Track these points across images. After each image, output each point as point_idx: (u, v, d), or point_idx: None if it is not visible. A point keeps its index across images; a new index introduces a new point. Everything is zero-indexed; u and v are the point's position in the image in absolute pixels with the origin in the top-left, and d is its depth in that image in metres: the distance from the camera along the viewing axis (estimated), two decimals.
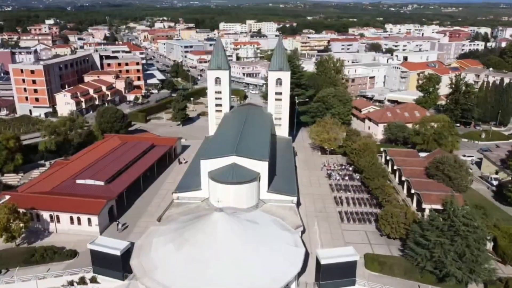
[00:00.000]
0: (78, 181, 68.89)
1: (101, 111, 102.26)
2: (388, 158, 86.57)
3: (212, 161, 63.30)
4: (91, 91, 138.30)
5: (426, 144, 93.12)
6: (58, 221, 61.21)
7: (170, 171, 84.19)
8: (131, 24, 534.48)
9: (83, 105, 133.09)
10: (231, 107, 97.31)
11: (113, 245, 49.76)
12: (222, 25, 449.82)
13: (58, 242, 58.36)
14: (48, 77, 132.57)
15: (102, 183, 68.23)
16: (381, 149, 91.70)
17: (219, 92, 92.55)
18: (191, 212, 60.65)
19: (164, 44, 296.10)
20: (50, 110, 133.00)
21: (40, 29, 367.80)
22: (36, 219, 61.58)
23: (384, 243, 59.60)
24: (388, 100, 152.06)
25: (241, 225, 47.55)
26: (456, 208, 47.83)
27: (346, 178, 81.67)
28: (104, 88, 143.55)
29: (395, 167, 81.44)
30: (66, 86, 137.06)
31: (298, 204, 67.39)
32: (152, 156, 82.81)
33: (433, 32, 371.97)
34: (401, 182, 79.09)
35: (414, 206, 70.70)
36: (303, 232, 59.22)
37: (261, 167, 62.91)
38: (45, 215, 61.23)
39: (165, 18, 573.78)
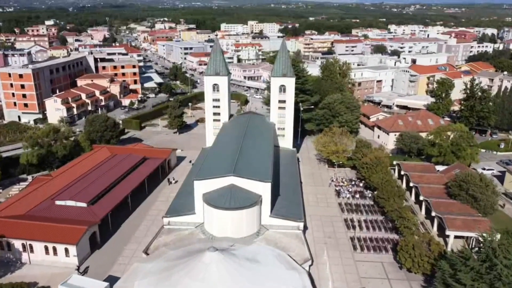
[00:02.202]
0: (58, 202, 61.37)
1: (90, 119, 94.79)
2: (402, 173, 78.72)
3: (207, 182, 55.69)
4: (83, 96, 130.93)
5: (443, 156, 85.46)
6: (32, 250, 53.75)
7: (162, 187, 76.61)
8: (132, 25, 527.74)
9: (75, 111, 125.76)
10: (231, 115, 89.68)
11: (88, 287, 42.18)
12: (223, 26, 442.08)
13: (30, 276, 51.07)
14: (37, 81, 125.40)
15: (84, 204, 60.68)
16: (394, 162, 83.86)
17: (217, 100, 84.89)
18: (183, 240, 53.16)
19: (164, 45, 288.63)
20: (40, 116, 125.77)
21: (37, 30, 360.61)
22: (7, 248, 54.21)
23: (405, 278, 51.86)
24: (397, 106, 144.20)
25: (239, 267, 39.93)
26: (497, 247, 40.08)
27: (357, 196, 73.96)
28: (97, 92, 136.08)
29: (411, 184, 73.65)
30: (58, 91, 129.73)
31: (305, 228, 59.79)
32: (143, 171, 75.22)
33: (438, 33, 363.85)
34: (418, 201, 71.40)
35: (435, 230, 63.06)
36: (310, 264, 51.59)
37: (263, 189, 55.30)
38: (17, 243, 53.80)
39: (165, 19, 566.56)
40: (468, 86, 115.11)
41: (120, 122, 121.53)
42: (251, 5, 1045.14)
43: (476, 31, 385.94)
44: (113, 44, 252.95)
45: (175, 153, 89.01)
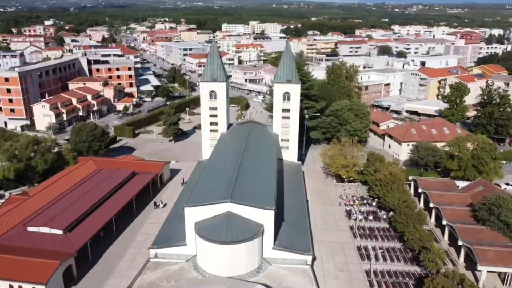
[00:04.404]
0: (30, 229, 53.65)
1: (77, 128, 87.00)
2: (420, 190, 70.74)
3: (200, 209, 47.90)
4: (74, 101, 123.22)
5: (463, 171, 77.57)
6: None
7: (152, 207, 68.68)
8: (132, 25, 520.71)
9: (64, 117, 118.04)
10: (229, 125, 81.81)
11: None
12: (224, 26, 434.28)
13: None
14: (25, 85, 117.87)
15: (60, 231, 52.94)
16: (410, 177, 75.87)
17: (215, 109, 76.93)
18: (171, 279, 45.38)
19: (163, 46, 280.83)
20: (28, 122, 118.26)
21: (34, 31, 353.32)
22: None
23: None
24: (406, 111, 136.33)
25: None
26: None
27: (370, 217, 66.08)
28: (89, 97, 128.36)
29: (430, 205, 65.64)
30: (47, 95, 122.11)
31: (313, 259, 51.83)
32: (131, 188, 67.39)
33: (443, 34, 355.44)
34: (439, 224, 63.49)
35: (461, 261, 55.14)
36: None
37: (266, 217, 47.48)
38: None
39: (166, 19, 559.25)
40: (486, 91, 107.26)
41: (112, 128, 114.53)
42: (252, 5, 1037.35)
43: (482, 32, 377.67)
44: (109, 45, 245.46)
45: (168, 167, 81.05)
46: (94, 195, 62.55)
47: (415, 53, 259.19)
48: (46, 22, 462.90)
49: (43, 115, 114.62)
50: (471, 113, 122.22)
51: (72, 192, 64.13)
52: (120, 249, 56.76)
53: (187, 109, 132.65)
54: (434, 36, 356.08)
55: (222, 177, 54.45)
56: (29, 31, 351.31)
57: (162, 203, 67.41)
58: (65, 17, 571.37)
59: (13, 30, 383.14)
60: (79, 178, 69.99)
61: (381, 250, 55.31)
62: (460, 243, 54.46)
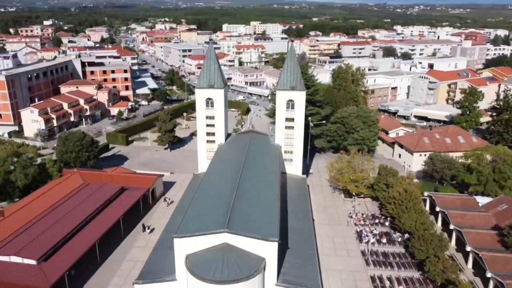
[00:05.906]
0: (0, 258, 47.28)
1: (63, 137, 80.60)
2: (437, 209, 64.11)
3: (192, 240, 41.33)
4: (65, 106, 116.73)
5: (483, 186, 71.03)
6: None
7: (141, 228, 62.16)
8: (133, 25, 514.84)
9: (55, 123, 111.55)
10: (228, 135, 75.26)
11: None
12: (225, 27, 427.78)
13: None
14: (12, 89, 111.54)
15: (33, 261, 46.48)
16: (425, 193, 69.22)
17: (212, 118, 70.28)
18: None
19: (162, 47, 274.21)
20: (16, 128, 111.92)
21: (31, 31, 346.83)
22: None
23: None
24: (415, 116, 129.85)
25: None
26: None
27: (384, 240, 59.50)
28: (82, 101, 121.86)
29: (450, 226, 59.06)
30: (37, 100, 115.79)
31: None
32: (119, 207, 60.95)
33: (447, 35, 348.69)
34: (460, 249, 56.98)
35: None
36: None
37: (268, 250, 40.93)
38: None
39: (166, 19, 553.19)
40: (502, 96, 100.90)
41: (105, 135, 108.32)
42: (253, 5, 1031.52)
43: (487, 33, 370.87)
44: (105, 46, 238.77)
45: (161, 180, 74.39)
46: (76, 216, 56.10)
47: (420, 54, 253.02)
48: (46, 22, 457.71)
49: (32, 121, 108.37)
50: (484, 118, 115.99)
51: (53, 211, 57.67)
52: (103, 280, 50.23)
53: (185, 114, 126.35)
54: (438, 37, 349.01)
55: (218, 200, 47.83)
56: (26, 31, 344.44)
57: (149, 228, 60.45)
58: (65, 17, 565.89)
59: (11, 30, 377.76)
60: (62, 194, 63.50)
61: (396, 276, 48.73)
62: (489, 275, 47.90)
